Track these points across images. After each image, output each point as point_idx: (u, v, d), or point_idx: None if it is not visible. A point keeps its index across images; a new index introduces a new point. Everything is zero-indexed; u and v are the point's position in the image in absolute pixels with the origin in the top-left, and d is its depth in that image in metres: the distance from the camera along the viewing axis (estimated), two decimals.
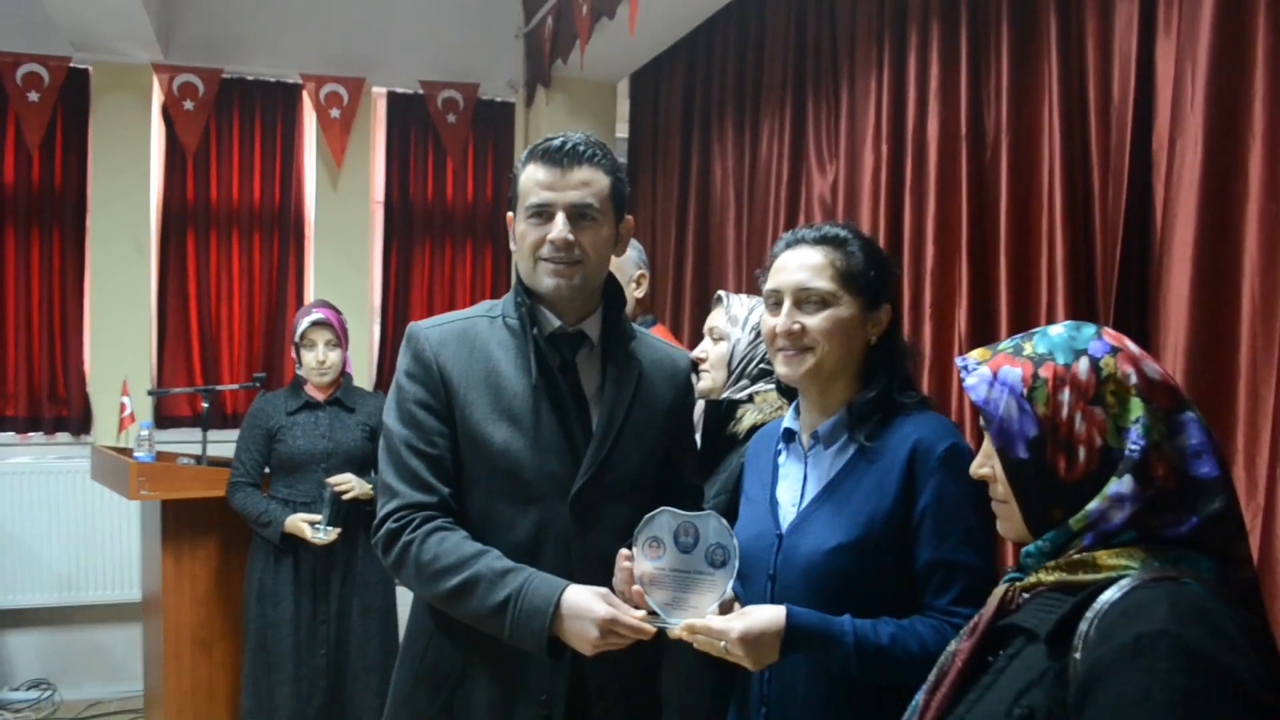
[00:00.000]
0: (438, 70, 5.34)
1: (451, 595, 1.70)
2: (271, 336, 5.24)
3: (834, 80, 3.41)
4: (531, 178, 1.79)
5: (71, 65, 4.86)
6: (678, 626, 1.62)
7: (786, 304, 1.77)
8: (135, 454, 3.70)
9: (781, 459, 1.86)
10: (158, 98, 5.04)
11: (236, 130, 5.16)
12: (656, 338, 2.02)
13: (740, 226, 3.98)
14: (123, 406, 4.11)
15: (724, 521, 1.67)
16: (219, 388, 4.44)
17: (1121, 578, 1.18)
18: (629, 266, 2.92)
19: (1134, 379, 1.24)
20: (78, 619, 4.97)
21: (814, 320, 1.74)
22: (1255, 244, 1.90)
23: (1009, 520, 1.33)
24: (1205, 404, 1.94)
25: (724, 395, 2.31)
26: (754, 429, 2.13)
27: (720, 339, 2.33)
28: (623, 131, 5.46)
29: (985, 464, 1.34)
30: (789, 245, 1.83)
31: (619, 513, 1.78)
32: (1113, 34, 2.30)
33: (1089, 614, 1.16)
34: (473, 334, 1.82)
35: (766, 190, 3.78)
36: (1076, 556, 1.23)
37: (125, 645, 4.89)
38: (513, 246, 1.85)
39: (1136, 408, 1.23)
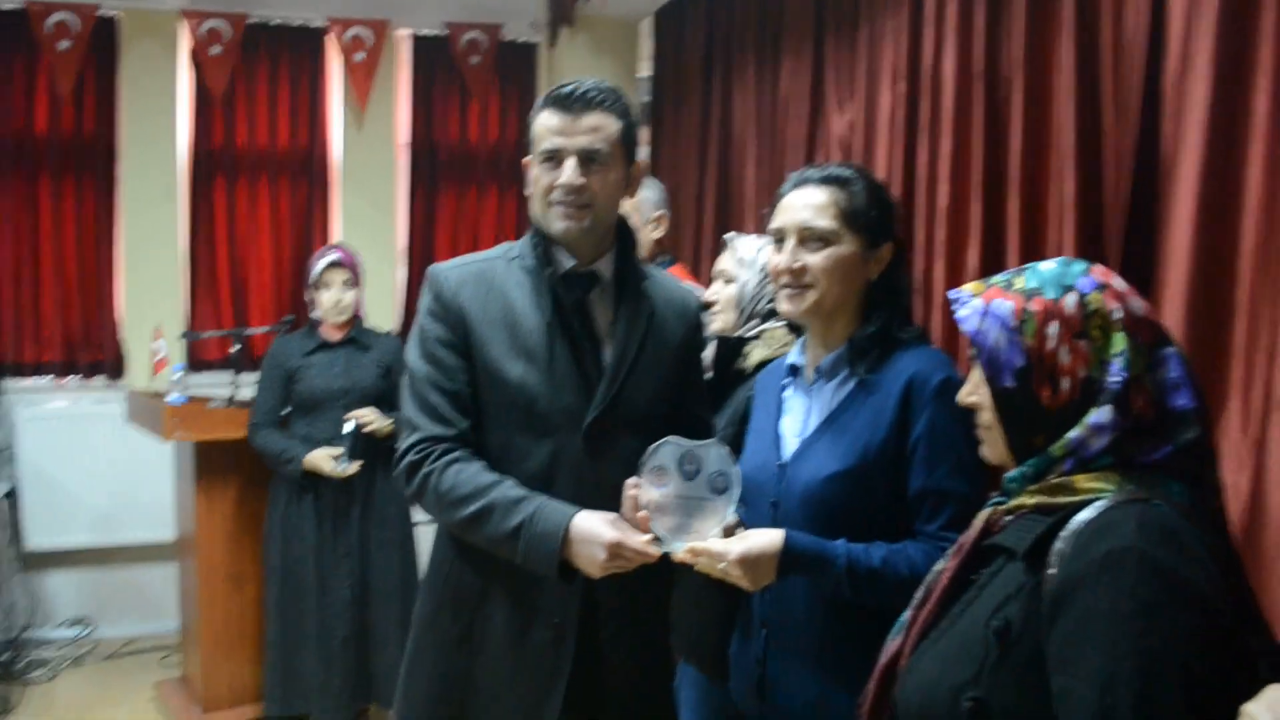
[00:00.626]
0: (461, 11, 5.33)
1: (468, 522, 1.78)
2: (299, 279, 5.26)
3: (854, 19, 3.39)
4: (544, 124, 1.83)
5: (100, 14, 4.90)
6: (681, 550, 1.68)
7: (790, 242, 1.82)
8: (168, 397, 3.78)
9: (787, 393, 1.92)
10: (185, 44, 5.07)
11: (263, 75, 5.19)
12: (669, 277, 2.08)
13: (760, 167, 3.98)
14: (155, 351, 4.19)
15: (726, 449, 1.73)
16: (250, 331, 4.50)
17: (1097, 499, 1.24)
18: (647, 208, 2.94)
19: (1118, 314, 1.30)
20: (114, 559, 5.10)
21: (815, 258, 1.80)
22: (1257, 182, 1.90)
23: (993, 446, 1.39)
24: (1203, 338, 1.96)
25: (734, 334, 2.34)
26: (762, 364, 2.19)
27: (730, 281, 2.36)
28: (645, 71, 5.43)
29: (973, 392, 1.40)
30: (795, 185, 1.87)
31: (630, 444, 1.82)
32: None
33: (1064, 533, 1.23)
34: (490, 275, 1.89)
35: (786, 130, 3.77)
36: (1056, 481, 1.29)
37: (161, 583, 5.00)
38: (529, 191, 1.90)
39: (1120, 342, 1.28)
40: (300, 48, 5.23)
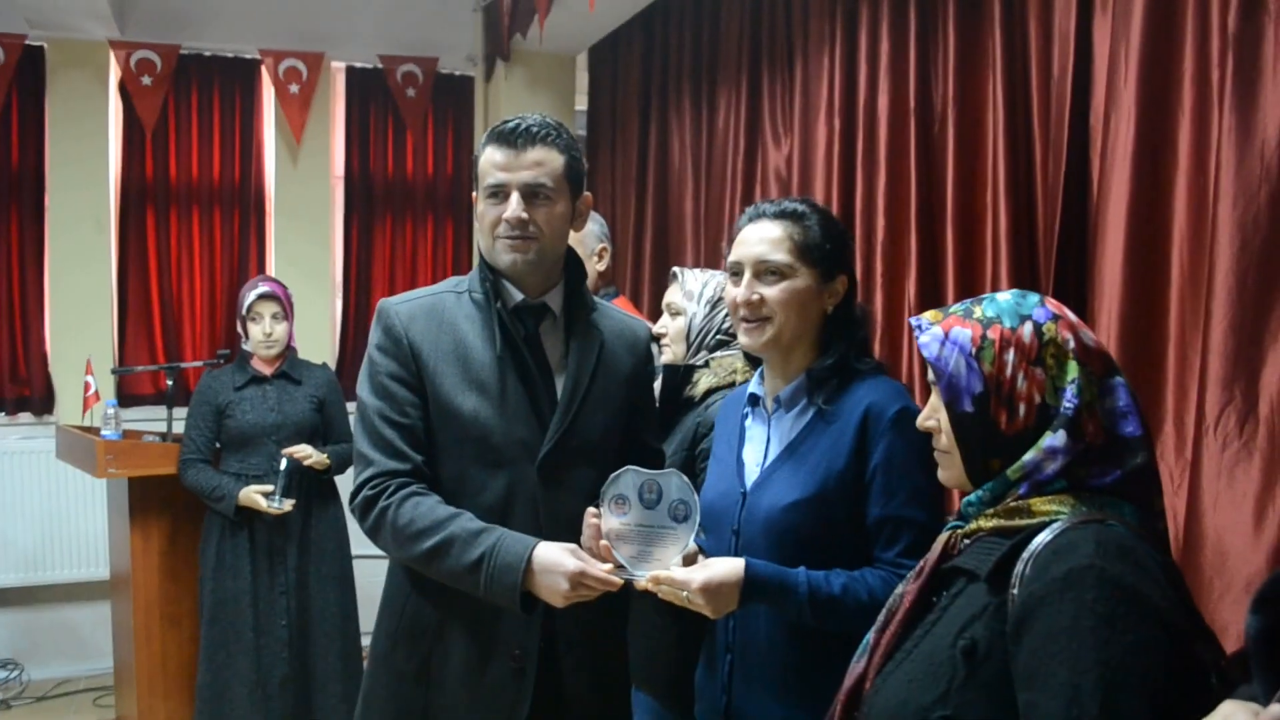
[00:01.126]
0: (397, 44, 5.35)
1: (427, 556, 1.78)
2: (233, 313, 5.23)
3: (788, 55, 3.48)
4: (489, 159, 1.85)
5: (27, 43, 4.82)
6: (644, 578, 1.70)
7: (747, 275, 1.86)
8: (102, 432, 3.72)
9: (748, 422, 1.95)
10: (115, 74, 5.01)
11: (195, 106, 5.14)
12: (618, 309, 2.09)
13: (698, 199, 4.05)
14: (87, 385, 4.11)
15: (685, 479, 1.75)
16: (183, 365, 4.44)
17: (1053, 522, 1.29)
18: (590, 240, 2.97)
19: (1072, 344, 1.36)
20: (44, 598, 4.98)
21: (772, 291, 1.83)
22: (1184, 214, 2.00)
23: (950, 469, 1.43)
24: (1137, 365, 2.05)
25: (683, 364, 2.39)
26: (709, 392, 2.26)
27: (678, 314, 2.41)
28: (582, 104, 5.49)
29: (931, 417, 1.44)
30: (751, 219, 1.91)
31: (584, 475, 1.86)
32: (1053, 11, 2.38)
33: (1024, 554, 1.28)
34: (440, 308, 1.90)
35: (724, 163, 3.85)
36: (1013, 504, 1.34)
37: (92, 623, 4.89)
38: (477, 226, 1.92)
39: (1073, 370, 1.34)
40: (233, 79, 5.19)
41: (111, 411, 3.76)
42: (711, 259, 3.88)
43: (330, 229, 5.42)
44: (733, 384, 2.26)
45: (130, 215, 5.09)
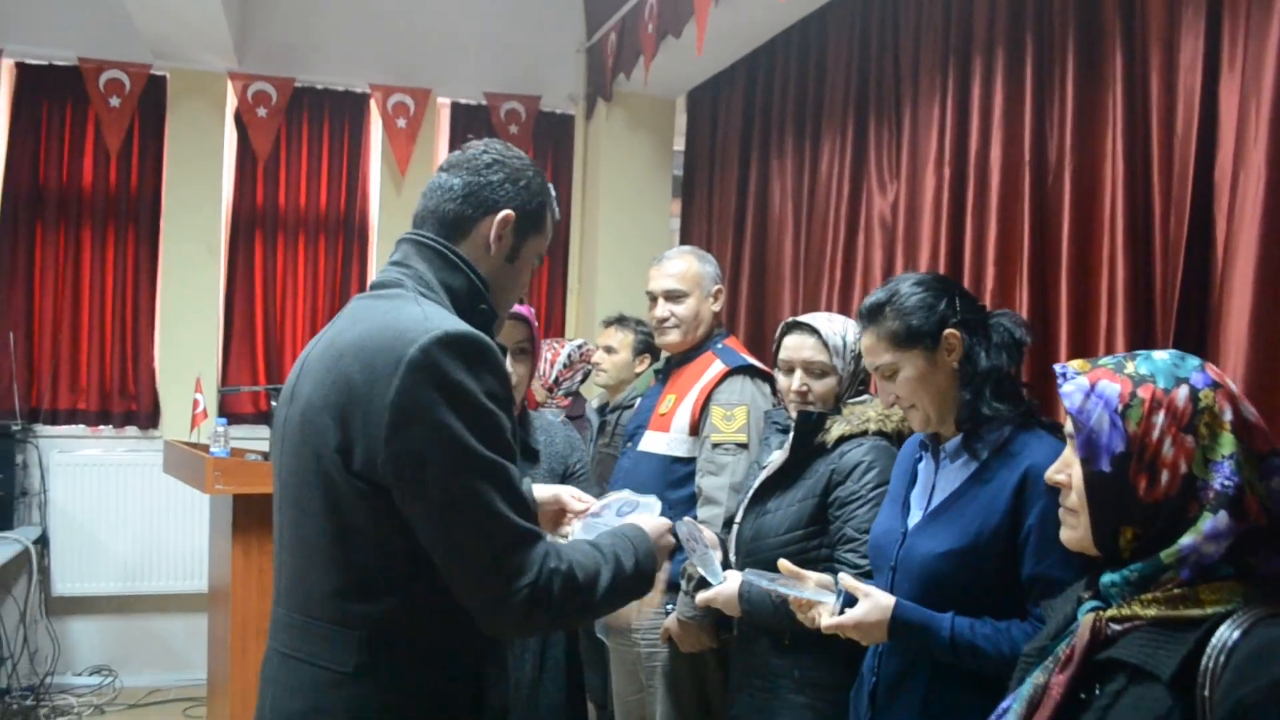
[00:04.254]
0: (501, 82, 5.49)
1: (609, 595, 1.59)
2: None
3: (896, 103, 3.50)
4: (551, 230, 1.76)
5: (151, 73, 5.04)
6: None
7: (876, 379, 2.06)
8: (211, 449, 3.83)
9: (920, 465, 2.07)
10: (231, 104, 5.21)
11: (305, 137, 5.33)
12: None
13: (798, 244, 4.07)
14: (196, 403, 4.26)
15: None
16: None
17: (1227, 614, 1.21)
18: (708, 282, 3.01)
19: (1229, 415, 1.29)
20: (139, 608, 5.14)
21: (896, 386, 2.00)
22: None
23: (1075, 530, 1.37)
24: (1265, 419, 2.02)
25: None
26: (841, 439, 2.32)
27: (824, 374, 2.41)
28: (679, 145, 5.56)
29: (1063, 471, 1.39)
30: (860, 329, 2.08)
31: None
32: (1177, 68, 2.37)
33: (1210, 651, 1.20)
34: None
35: (826, 209, 3.86)
36: (1177, 591, 1.25)
37: (185, 635, 5.05)
38: (497, 248, 1.67)
39: (1228, 443, 1.27)
40: (343, 112, 5.37)
41: (221, 430, 3.88)
42: (810, 304, 3.89)
43: None
44: (865, 432, 2.29)
45: (240, 240, 5.28)
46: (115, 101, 4.99)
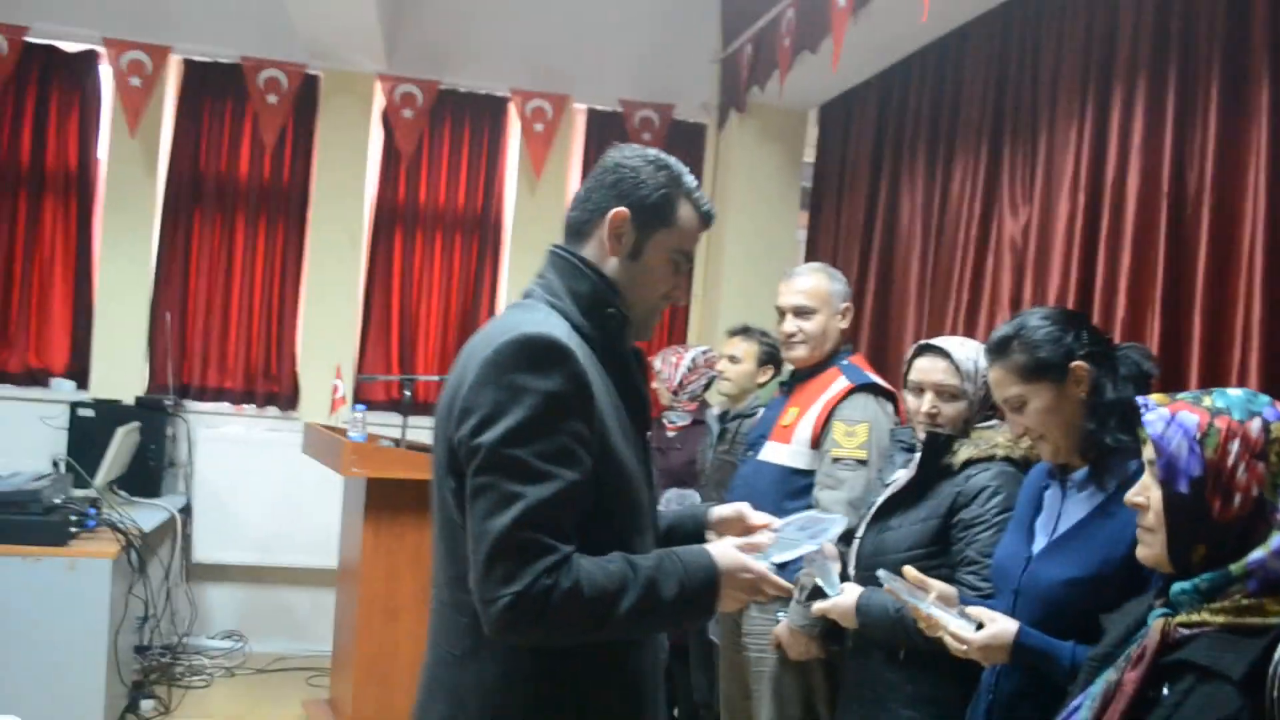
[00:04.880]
0: (636, 90, 5.62)
1: (632, 616, 1.53)
2: (465, 332, 5.58)
3: (1032, 126, 3.49)
4: (695, 228, 1.72)
5: (306, 71, 5.31)
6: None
7: (1008, 412, 2.11)
8: (349, 434, 4.04)
9: (1048, 492, 2.12)
10: (379, 104, 5.45)
11: (447, 138, 5.55)
12: None
13: (925, 262, 4.08)
14: (335, 388, 4.48)
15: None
16: (423, 378, 4.75)
17: None
18: (836, 299, 3.06)
19: None
20: (270, 579, 5.42)
21: (1025, 419, 2.06)
22: None
23: (1152, 548, 1.51)
24: None
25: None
26: (968, 463, 2.36)
27: (955, 398, 2.45)
28: (809, 157, 5.60)
29: (1141, 494, 1.52)
30: (988, 364, 2.14)
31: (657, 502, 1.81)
32: None
33: (1278, 656, 1.32)
34: (578, 343, 1.61)
35: (955, 229, 3.87)
36: (1245, 602, 1.39)
37: (311, 607, 5.32)
38: (614, 248, 1.67)
39: None
40: (483, 115, 5.57)
41: (360, 415, 4.08)
42: (935, 325, 3.90)
43: None
44: (992, 457, 2.33)
45: (381, 234, 5.52)
46: (272, 99, 5.27)
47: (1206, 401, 1.48)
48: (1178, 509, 1.45)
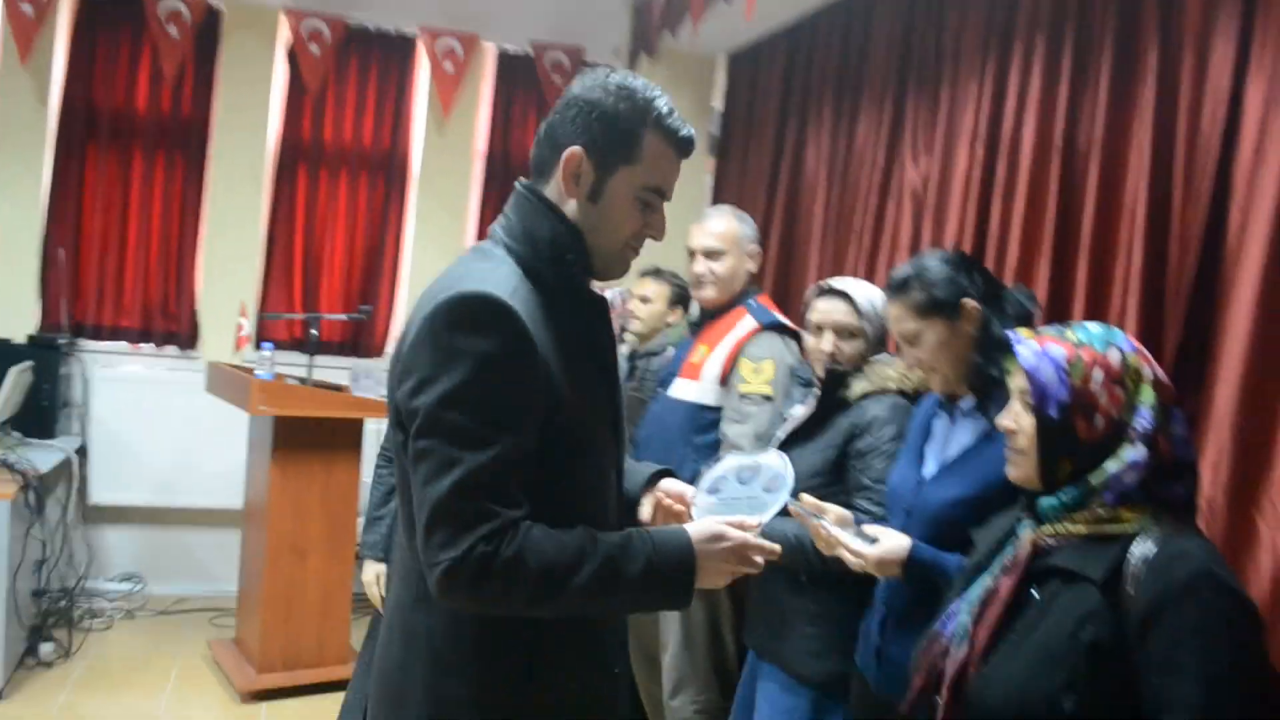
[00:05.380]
0: (547, 31, 5.59)
1: (589, 590, 1.49)
2: (370, 271, 5.55)
3: (935, 80, 3.60)
4: (668, 160, 1.63)
5: (209, 3, 5.16)
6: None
7: (903, 346, 2.27)
8: (257, 372, 4.01)
9: (936, 421, 2.30)
10: (284, 40, 5.34)
11: (354, 76, 5.46)
12: None
13: (829, 209, 4.20)
14: (240, 327, 4.43)
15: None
16: (329, 316, 4.72)
17: (1143, 531, 1.53)
18: (745, 242, 3.15)
19: (1149, 373, 1.61)
20: (169, 520, 5.36)
21: (918, 351, 2.23)
22: None
23: (1023, 468, 1.68)
24: (1253, 411, 2.19)
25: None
26: (863, 396, 2.50)
27: (854, 336, 2.57)
28: (717, 103, 5.66)
29: (1011, 420, 1.69)
30: (887, 299, 2.31)
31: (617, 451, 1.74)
32: (1208, 68, 2.48)
33: (1131, 558, 1.51)
34: (534, 300, 1.56)
35: (859, 176, 3.99)
36: (1101, 512, 1.57)
37: (214, 548, 5.28)
38: (571, 190, 1.60)
39: (1148, 394, 1.59)
40: (392, 53, 5.50)
41: (267, 354, 4.06)
42: (837, 267, 4.03)
43: (467, 202, 5.69)
44: (885, 390, 2.46)
45: (284, 173, 5.44)
46: (173, 30, 5.12)
47: (1070, 335, 1.66)
48: (1049, 432, 1.61)
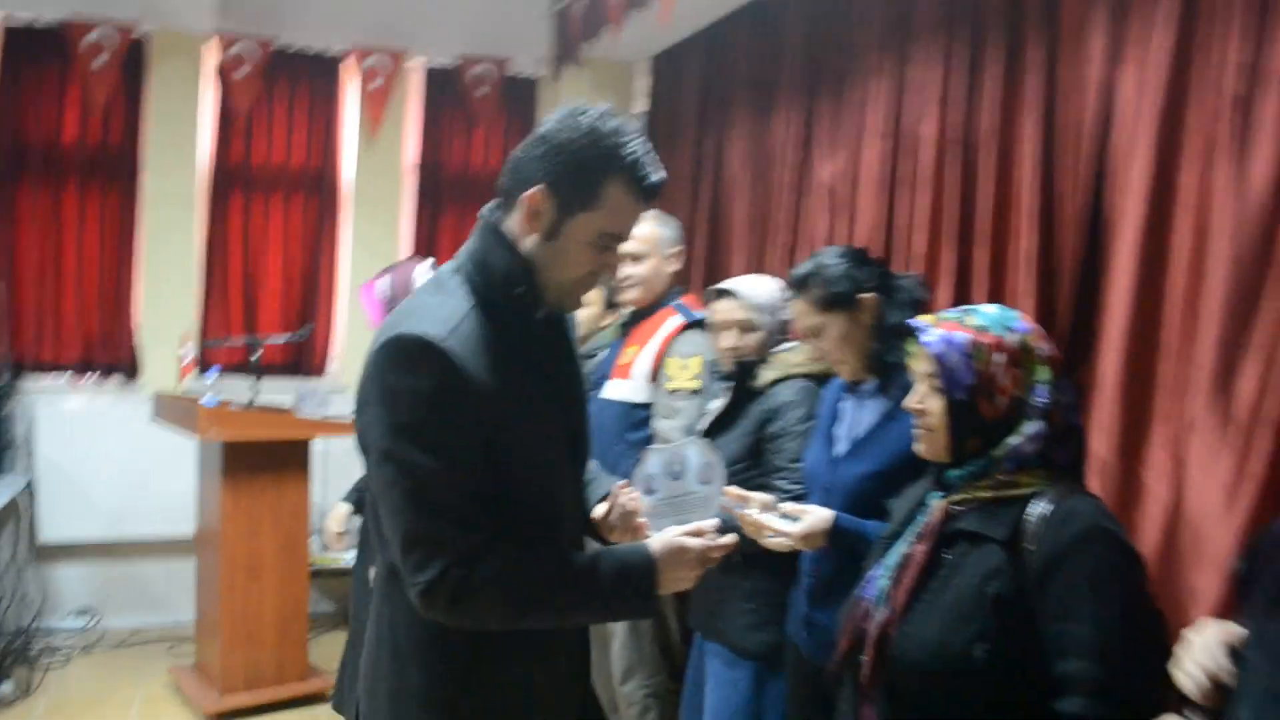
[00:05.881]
0: (472, 46, 5.69)
1: (562, 610, 1.64)
2: (308, 291, 5.62)
3: (842, 80, 3.76)
4: (626, 204, 1.65)
5: (134, 35, 5.19)
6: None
7: (809, 338, 2.44)
8: (204, 399, 4.07)
9: (843, 403, 2.46)
10: (211, 64, 5.38)
11: (283, 97, 5.52)
12: None
13: (753, 206, 4.34)
14: (183, 354, 4.48)
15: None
16: (270, 339, 4.77)
17: (1039, 492, 1.68)
18: (665, 244, 3.29)
19: (1043, 352, 1.76)
20: (121, 553, 5.35)
21: (823, 343, 2.40)
22: (1184, 249, 2.30)
23: (934, 445, 1.82)
24: (1137, 373, 2.37)
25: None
26: (773, 383, 2.67)
27: (751, 329, 2.72)
28: (640, 107, 5.80)
29: (922, 400, 1.83)
30: (791, 296, 2.49)
31: (587, 463, 1.91)
32: (1085, 62, 2.65)
33: (1029, 518, 1.67)
34: (480, 332, 1.63)
35: (777, 174, 4.15)
36: (1003, 478, 1.72)
37: (168, 578, 5.29)
38: (531, 226, 1.65)
39: (1044, 372, 1.74)
40: (320, 73, 5.56)
41: (212, 380, 4.12)
42: (759, 263, 4.18)
43: (399, 216, 5.78)
44: (790, 375, 2.61)
45: (217, 197, 5.47)
46: (100, 61, 5.12)
47: (970, 321, 1.79)
48: (957, 412, 1.75)
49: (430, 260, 3.69)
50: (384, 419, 1.57)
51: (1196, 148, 2.30)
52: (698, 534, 1.72)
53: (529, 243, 1.66)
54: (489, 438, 1.60)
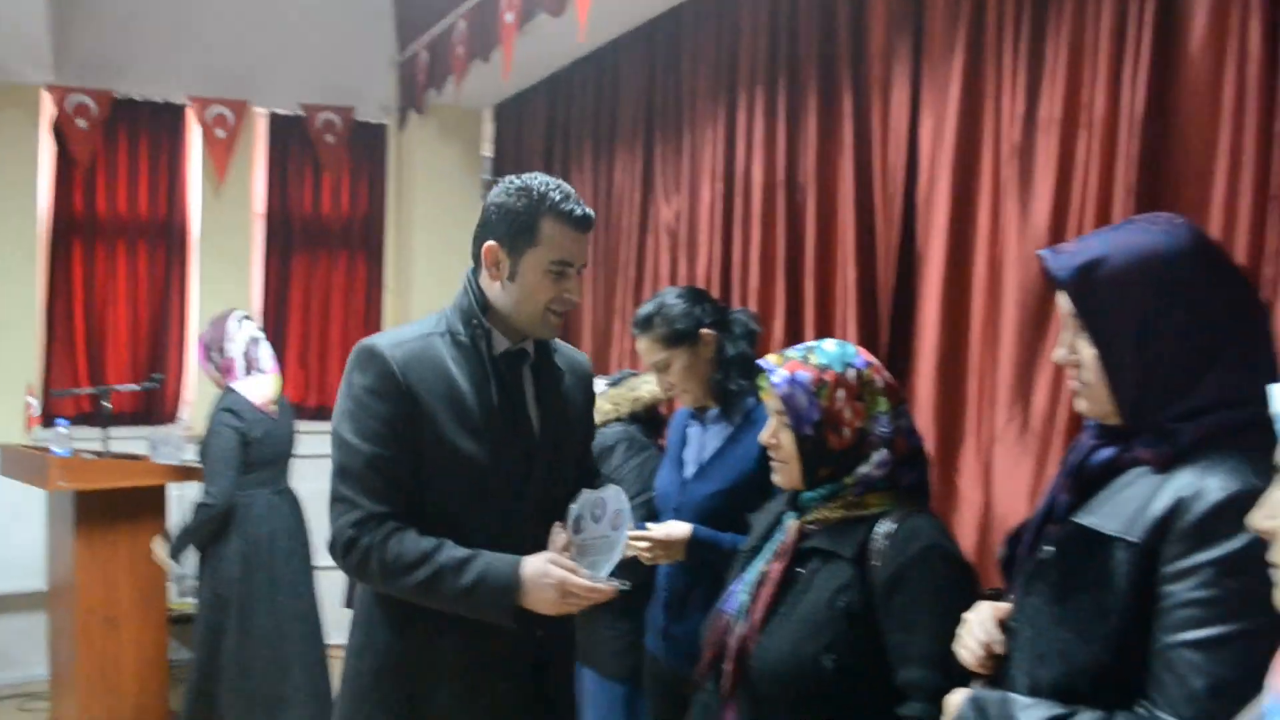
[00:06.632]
0: (317, 93, 5.77)
1: (420, 588, 1.90)
2: (156, 340, 5.57)
3: (678, 126, 4.04)
4: (565, 235, 1.95)
5: None
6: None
7: (656, 373, 2.65)
8: (53, 449, 4.04)
9: (690, 430, 2.67)
10: (48, 116, 5.32)
11: (124, 148, 5.48)
12: (565, 345, 2.25)
13: (597, 247, 4.57)
14: (29, 406, 4.41)
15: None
16: (120, 388, 4.74)
17: (886, 512, 1.84)
18: None
19: (880, 383, 1.91)
20: None
21: (672, 376, 2.59)
22: (981, 278, 2.62)
23: (787, 475, 1.95)
24: (947, 391, 2.67)
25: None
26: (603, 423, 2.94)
27: None
28: (487, 151, 5.99)
29: (774, 435, 1.96)
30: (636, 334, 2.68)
31: (558, 499, 2.05)
32: (890, 112, 2.98)
33: (875, 537, 1.82)
34: (429, 351, 1.98)
35: (620, 215, 4.39)
36: (852, 500, 1.87)
37: (15, 634, 5.13)
38: (495, 275, 1.98)
39: (883, 403, 1.90)
40: (161, 123, 5.55)
41: (64, 430, 4.09)
42: (607, 302, 4.41)
43: (250, 263, 5.79)
44: (606, 422, 2.96)
45: (59, 248, 5.39)
46: None
47: (812, 359, 1.90)
48: (807, 446, 1.87)
49: (240, 311, 4.03)
50: (338, 405, 2.00)
51: (987, 189, 2.63)
52: (573, 572, 1.91)
53: (497, 288, 2.01)
54: (414, 435, 1.94)
